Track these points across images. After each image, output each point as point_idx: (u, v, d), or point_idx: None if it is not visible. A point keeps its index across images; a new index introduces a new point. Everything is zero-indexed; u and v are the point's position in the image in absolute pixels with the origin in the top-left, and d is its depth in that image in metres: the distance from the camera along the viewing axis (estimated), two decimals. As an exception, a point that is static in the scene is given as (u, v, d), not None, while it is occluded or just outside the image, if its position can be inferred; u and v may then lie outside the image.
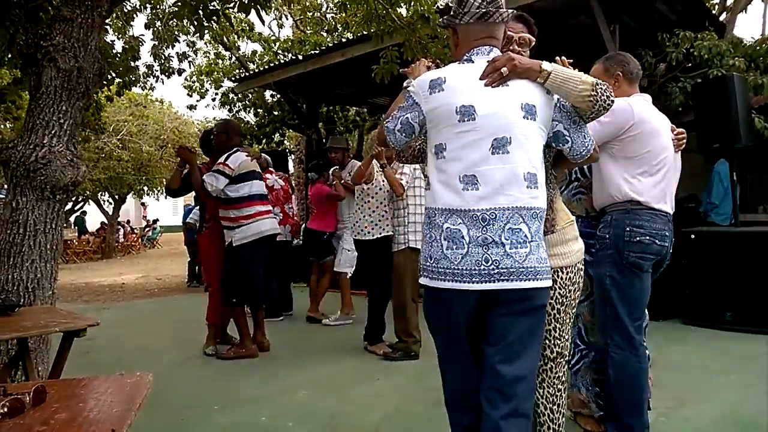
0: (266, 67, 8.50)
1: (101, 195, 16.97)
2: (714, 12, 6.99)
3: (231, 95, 11.16)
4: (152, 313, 6.21)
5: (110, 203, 17.25)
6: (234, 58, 11.74)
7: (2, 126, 9.97)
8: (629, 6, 5.04)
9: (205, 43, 11.78)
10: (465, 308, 1.45)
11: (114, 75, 4.72)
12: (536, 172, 1.46)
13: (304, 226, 5.58)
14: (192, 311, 5.68)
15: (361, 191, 4.03)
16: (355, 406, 2.84)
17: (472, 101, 1.43)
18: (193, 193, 4.13)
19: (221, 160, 3.78)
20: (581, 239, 1.80)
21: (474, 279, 1.40)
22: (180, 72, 6.05)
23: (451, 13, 1.56)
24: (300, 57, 7.49)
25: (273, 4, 8.90)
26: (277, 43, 11.70)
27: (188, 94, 12.10)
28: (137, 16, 5.24)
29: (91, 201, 17.54)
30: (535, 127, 1.47)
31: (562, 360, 1.74)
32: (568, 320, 1.74)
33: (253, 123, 11.07)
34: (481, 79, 1.46)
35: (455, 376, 1.56)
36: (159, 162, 15.58)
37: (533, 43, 1.76)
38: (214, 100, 11.98)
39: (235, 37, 11.24)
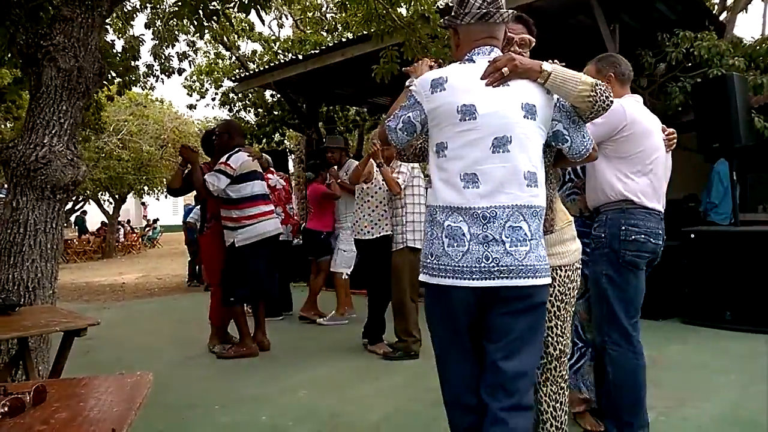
0: (266, 66, 8.50)
1: (101, 195, 16.99)
2: (714, 12, 6.99)
3: (231, 95, 11.17)
4: (152, 313, 6.21)
5: (110, 203, 17.26)
6: (234, 58, 11.75)
7: (3, 126, 9.97)
8: (629, 6, 5.04)
9: (205, 43, 11.80)
10: (465, 305, 1.46)
11: (114, 75, 4.72)
12: (536, 171, 1.48)
13: (303, 225, 5.59)
14: (192, 311, 5.69)
15: (361, 191, 4.03)
16: (355, 405, 2.84)
17: (473, 100, 1.45)
18: (193, 193, 4.13)
19: (223, 159, 3.78)
20: (578, 239, 1.83)
21: (474, 276, 1.42)
22: (180, 71, 6.04)
23: (452, 13, 1.57)
24: (300, 57, 7.49)
25: (273, 4, 8.90)
26: (277, 43, 11.70)
27: (188, 94, 12.10)
28: (137, 16, 5.24)
29: (91, 201, 17.55)
30: (535, 126, 1.49)
31: (564, 358, 1.76)
32: (568, 318, 1.77)
33: (253, 123, 11.07)
34: (482, 78, 1.47)
35: (455, 374, 1.56)
36: (159, 162, 15.59)
37: (533, 44, 1.77)
38: (214, 99, 11.99)
39: (235, 36, 11.24)
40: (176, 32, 5.42)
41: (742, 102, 4.30)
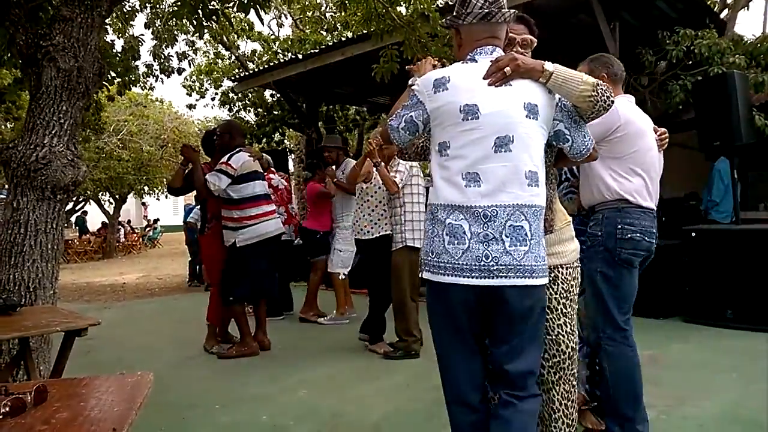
0: (266, 66, 8.49)
1: (102, 195, 17.00)
2: (714, 9, 6.98)
3: (231, 95, 11.16)
4: (153, 313, 6.22)
5: (111, 203, 17.26)
6: (234, 58, 11.74)
7: (3, 126, 9.98)
8: (629, 4, 5.04)
9: (205, 43, 11.78)
10: (465, 303, 1.48)
11: (114, 75, 4.72)
12: (537, 170, 1.49)
13: (300, 224, 5.59)
14: (193, 311, 5.69)
15: (360, 190, 4.04)
16: (355, 405, 2.84)
17: (475, 100, 1.46)
18: (193, 193, 4.13)
19: (224, 159, 3.78)
20: (576, 239, 1.85)
21: (474, 274, 1.43)
22: (180, 71, 6.04)
23: (454, 13, 1.58)
24: (300, 56, 7.48)
25: (272, 4, 8.90)
26: (277, 43, 11.69)
27: (188, 94, 12.09)
28: (137, 16, 5.24)
29: (91, 201, 17.55)
30: (537, 126, 1.49)
31: (575, 355, 1.77)
32: (574, 315, 1.79)
33: (253, 122, 11.07)
34: (484, 78, 1.48)
35: (457, 372, 1.57)
36: (159, 162, 15.59)
37: (535, 44, 1.78)
38: (213, 99, 11.98)
39: (235, 36, 11.24)
40: (175, 32, 5.42)
41: (743, 100, 4.30)
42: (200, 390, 3.14)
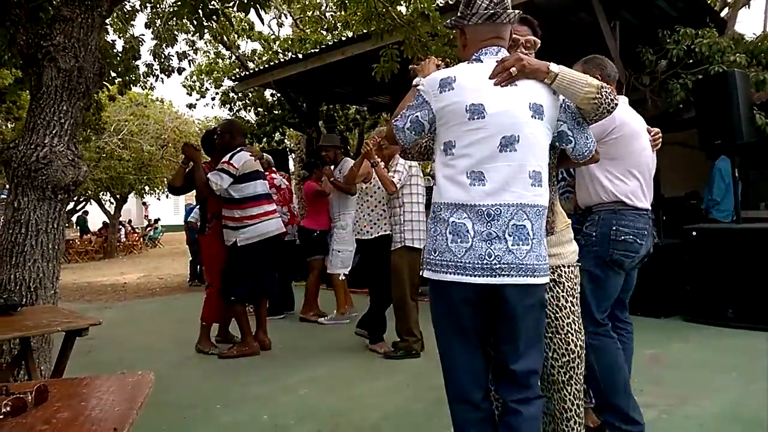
0: (266, 66, 8.49)
1: (103, 195, 17.02)
2: (715, 8, 6.97)
3: (231, 94, 11.16)
4: (154, 313, 6.22)
5: (112, 203, 17.28)
6: (234, 57, 11.74)
7: (4, 126, 9.99)
8: (629, 3, 5.03)
9: (205, 43, 11.78)
10: (468, 301, 1.49)
11: (114, 75, 4.72)
12: (541, 170, 1.51)
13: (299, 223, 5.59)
14: (194, 310, 5.66)
15: (360, 190, 4.04)
16: (356, 404, 2.84)
17: (481, 100, 1.47)
18: (194, 192, 4.12)
19: (225, 159, 3.77)
20: (574, 241, 1.88)
21: (477, 273, 1.44)
22: (180, 71, 6.04)
23: (459, 14, 1.59)
24: (300, 56, 7.47)
25: (272, 3, 8.90)
26: (277, 42, 11.69)
27: (188, 94, 12.09)
28: (137, 16, 5.24)
29: (92, 201, 17.58)
30: (542, 126, 1.51)
31: (583, 354, 1.78)
32: (579, 314, 1.80)
33: (253, 122, 11.07)
34: (490, 78, 1.49)
35: (460, 370, 1.57)
36: (160, 161, 15.60)
37: (538, 45, 1.79)
38: (214, 99, 11.99)
39: (235, 36, 11.23)
40: (176, 32, 5.42)
41: (744, 99, 4.29)
42: (201, 390, 3.14)
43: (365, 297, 4.42)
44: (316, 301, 5.13)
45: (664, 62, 5.21)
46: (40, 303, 2.49)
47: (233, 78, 8.91)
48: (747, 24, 31.65)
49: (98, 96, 5.87)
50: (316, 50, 7.20)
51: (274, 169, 5.49)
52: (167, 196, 18.26)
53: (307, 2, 10.93)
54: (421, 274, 1.60)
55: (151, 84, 6.53)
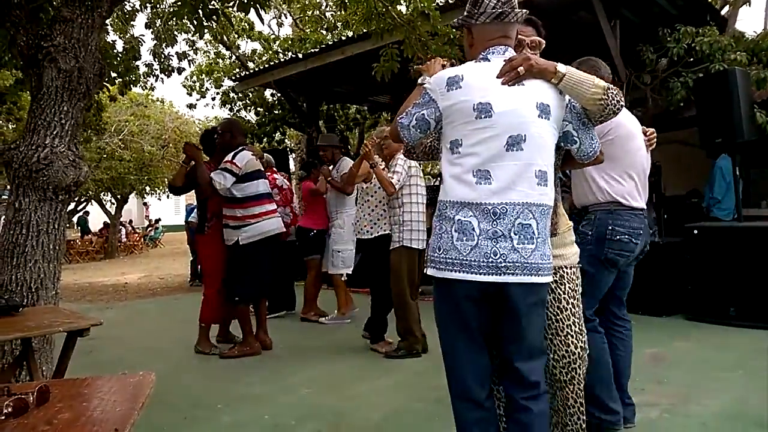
0: (266, 65, 8.49)
1: (103, 195, 17.03)
2: (716, 6, 6.96)
3: (231, 94, 11.16)
4: (155, 313, 6.23)
5: (113, 203, 17.29)
6: (234, 57, 11.74)
7: (4, 127, 10.00)
8: (630, 1, 5.03)
9: (205, 43, 11.78)
10: (472, 299, 1.49)
11: (115, 75, 4.72)
12: (547, 170, 1.51)
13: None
14: (194, 310, 5.65)
15: (361, 190, 4.05)
16: (357, 404, 2.84)
17: (489, 99, 1.47)
18: (194, 192, 4.12)
19: (228, 158, 3.77)
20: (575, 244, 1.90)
21: (482, 271, 1.44)
22: (180, 71, 6.03)
23: (466, 13, 1.59)
24: (300, 55, 7.48)
25: (272, 3, 8.90)
26: (277, 42, 11.69)
27: (188, 94, 12.10)
28: (137, 16, 5.24)
29: (93, 201, 17.59)
30: (548, 126, 1.51)
31: (585, 354, 1.79)
32: (581, 315, 1.81)
33: (253, 122, 11.07)
34: (498, 77, 1.50)
35: (464, 368, 1.57)
36: (161, 162, 15.60)
37: (543, 46, 1.80)
38: (214, 99, 11.99)
39: (235, 36, 11.23)
40: (176, 32, 5.41)
41: (745, 97, 4.28)
42: (202, 390, 3.14)
43: (366, 296, 4.42)
44: (315, 301, 5.13)
45: (665, 61, 5.20)
46: (41, 303, 2.49)
47: (233, 78, 8.91)
48: (747, 22, 31.62)
49: (99, 96, 5.87)
50: (316, 50, 7.20)
51: (275, 169, 5.49)
52: (168, 197, 18.29)
53: (307, 2, 10.93)
54: (425, 271, 1.60)
55: (152, 84, 6.54)
